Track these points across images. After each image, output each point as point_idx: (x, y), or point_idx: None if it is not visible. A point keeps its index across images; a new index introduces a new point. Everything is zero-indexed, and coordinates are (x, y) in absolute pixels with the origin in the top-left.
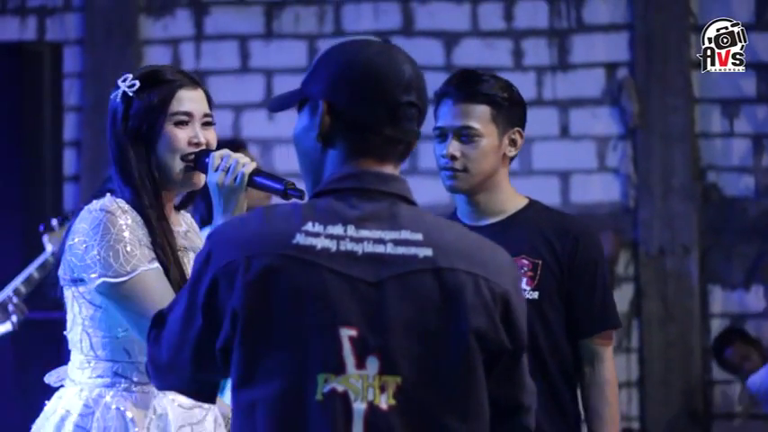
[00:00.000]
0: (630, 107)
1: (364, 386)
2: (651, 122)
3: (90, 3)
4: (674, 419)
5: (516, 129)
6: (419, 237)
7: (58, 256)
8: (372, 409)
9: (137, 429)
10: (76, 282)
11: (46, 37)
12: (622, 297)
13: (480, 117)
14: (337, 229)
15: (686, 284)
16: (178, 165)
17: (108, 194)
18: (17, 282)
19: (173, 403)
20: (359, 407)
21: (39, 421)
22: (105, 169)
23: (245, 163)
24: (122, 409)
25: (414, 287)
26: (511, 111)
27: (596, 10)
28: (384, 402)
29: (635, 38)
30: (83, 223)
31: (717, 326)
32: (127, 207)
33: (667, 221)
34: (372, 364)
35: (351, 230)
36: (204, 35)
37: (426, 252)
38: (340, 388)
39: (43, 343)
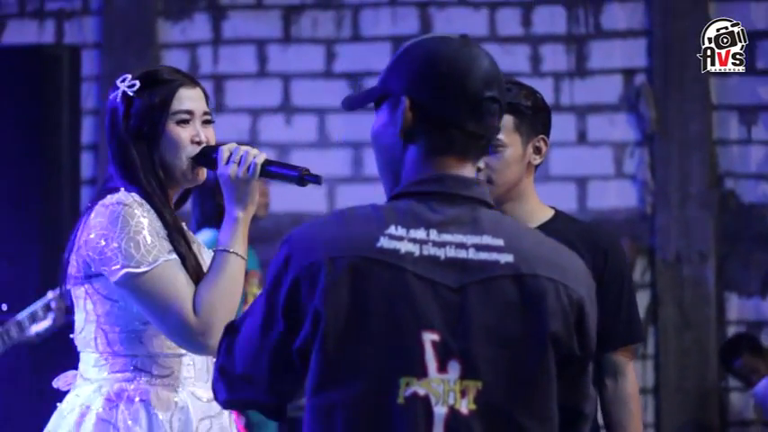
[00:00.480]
0: (648, 113)
1: (445, 390)
2: (669, 129)
3: (108, 6)
4: (690, 427)
5: (541, 136)
6: (500, 242)
7: (65, 261)
8: (453, 413)
9: (161, 422)
10: (91, 278)
11: (64, 40)
12: (638, 304)
13: (504, 127)
14: (420, 233)
15: (703, 291)
16: (181, 162)
17: (122, 189)
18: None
19: (192, 396)
20: (440, 411)
21: (54, 420)
22: None
23: (255, 153)
24: (149, 402)
25: (495, 293)
26: (535, 118)
27: (614, 16)
28: (465, 407)
29: (653, 44)
30: (99, 218)
31: (733, 333)
32: (141, 200)
33: (684, 228)
34: (454, 369)
35: (433, 235)
36: (222, 39)
37: (507, 258)
38: (421, 391)
39: (59, 348)
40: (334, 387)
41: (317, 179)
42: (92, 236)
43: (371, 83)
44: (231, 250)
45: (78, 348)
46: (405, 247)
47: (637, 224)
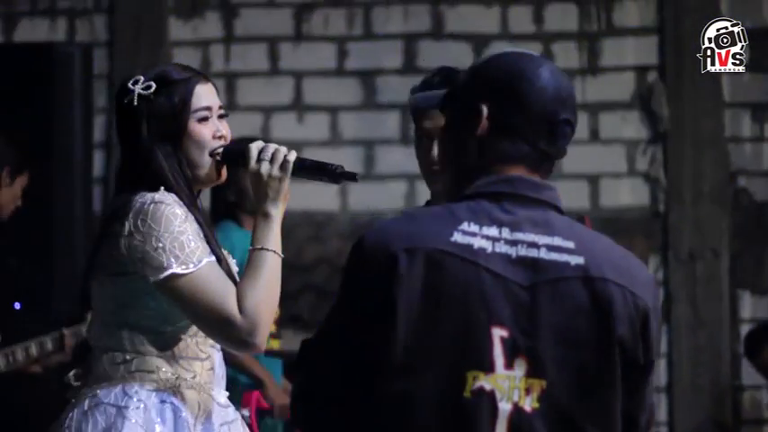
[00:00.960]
0: (660, 111)
1: (510, 387)
2: (681, 127)
3: (120, 4)
4: (703, 425)
5: None
6: (571, 245)
7: (90, 256)
8: (517, 410)
9: (188, 423)
10: (120, 275)
11: (75, 38)
12: None
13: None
14: (492, 231)
15: (716, 289)
16: (207, 161)
17: (161, 188)
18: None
19: (213, 401)
20: (504, 407)
21: (76, 418)
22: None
23: (285, 151)
24: (175, 404)
25: (565, 293)
26: None
27: (626, 13)
28: (528, 405)
29: (665, 41)
30: (140, 216)
31: (746, 331)
32: (178, 201)
33: (697, 226)
34: (520, 366)
35: (505, 233)
36: (234, 37)
37: (578, 260)
38: (488, 386)
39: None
40: (406, 377)
41: (352, 176)
42: (130, 234)
43: (383, 81)
44: (270, 248)
45: (96, 344)
46: (478, 242)
47: (649, 222)
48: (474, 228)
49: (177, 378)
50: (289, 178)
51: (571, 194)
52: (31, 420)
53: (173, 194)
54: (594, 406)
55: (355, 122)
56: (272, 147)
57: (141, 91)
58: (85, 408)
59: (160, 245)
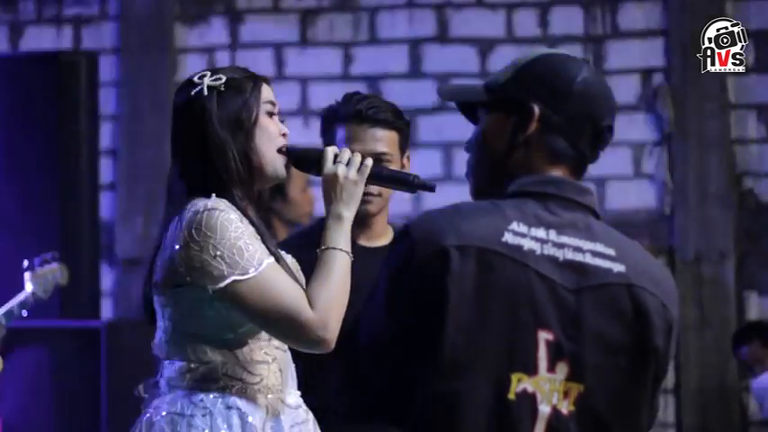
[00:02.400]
0: (666, 113)
1: (551, 389)
2: (687, 128)
3: (125, 12)
4: (710, 426)
5: (407, 154)
6: (612, 252)
7: (150, 268)
8: (555, 412)
9: (256, 428)
10: (180, 287)
11: (82, 46)
12: None
13: (390, 142)
14: (540, 233)
15: (722, 291)
16: (275, 156)
17: (213, 195)
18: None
19: (282, 403)
20: (544, 409)
21: (143, 429)
22: (141, 178)
23: (362, 158)
24: (242, 409)
25: (608, 299)
26: (407, 136)
27: (632, 16)
28: (565, 408)
29: (670, 44)
30: (194, 226)
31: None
32: (231, 205)
33: (703, 228)
34: (561, 370)
35: (552, 235)
36: (239, 43)
37: (620, 268)
38: (530, 389)
39: (78, 351)
40: (453, 376)
41: (430, 187)
42: (186, 244)
43: (389, 85)
44: (342, 248)
45: (162, 356)
46: (528, 244)
47: (656, 224)
48: (523, 228)
49: (243, 383)
50: (363, 184)
51: None
52: None
53: (224, 200)
54: (626, 411)
55: None
56: (347, 151)
57: (211, 82)
58: (153, 418)
59: (218, 253)
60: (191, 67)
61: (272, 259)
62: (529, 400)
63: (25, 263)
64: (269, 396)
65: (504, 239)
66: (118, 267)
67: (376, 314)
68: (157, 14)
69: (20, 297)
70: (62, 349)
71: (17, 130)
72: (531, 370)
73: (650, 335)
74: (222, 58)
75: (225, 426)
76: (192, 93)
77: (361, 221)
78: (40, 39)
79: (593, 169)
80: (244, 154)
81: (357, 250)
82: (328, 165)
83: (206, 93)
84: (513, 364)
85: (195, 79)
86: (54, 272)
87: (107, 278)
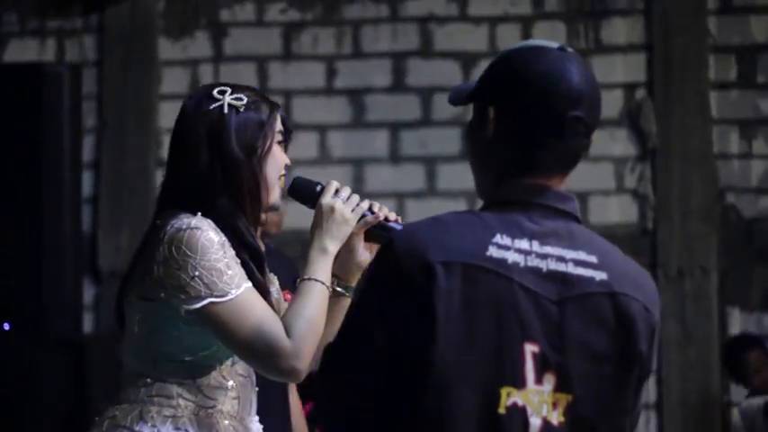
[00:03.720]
0: (649, 128)
1: (540, 401)
2: (669, 143)
3: (109, 24)
4: None
5: None
6: (594, 259)
7: (124, 276)
8: (546, 424)
9: None
10: (149, 300)
11: (65, 58)
12: None
13: None
14: (524, 244)
15: (705, 306)
16: (277, 185)
17: (198, 214)
18: None
19: (234, 430)
20: (534, 421)
21: None
22: (123, 191)
23: (358, 200)
24: (189, 430)
25: (592, 309)
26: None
27: (614, 31)
28: (555, 419)
29: (653, 59)
30: (175, 243)
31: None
32: (215, 226)
33: (686, 243)
34: (549, 381)
35: (535, 246)
36: (223, 56)
37: (602, 275)
38: (520, 402)
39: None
40: (445, 392)
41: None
42: (165, 261)
43: (372, 99)
44: (322, 281)
45: (123, 363)
46: (511, 257)
47: (638, 239)
48: (507, 240)
49: (197, 406)
50: (355, 223)
51: None
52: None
53: (208, 220)
54: (614, 416)
55: (344, 141)
56: (348, 189)
57: (232, 101)
58: (104, 428)
59: (197, 273)
60: (174, 80)
61: (249, 284)
62: (519, 413)
63: None
64: (222, 421)
65: (488, 254)
66: (100, 280)
67: (361, 325)
68: (141, 27)
69: None
70: (43, 361)
71: None
72: (520, 383)
73: (634, 341)
74: (206, 72)
75: None
76: (212, 107)
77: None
78: (23, 50)
79: (575, 183)
80: (255, 179)
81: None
82: (327, 197)
83: (226, 110)
84: (502, 378)
85: (214, 93)
86: None
87: (89, 291)
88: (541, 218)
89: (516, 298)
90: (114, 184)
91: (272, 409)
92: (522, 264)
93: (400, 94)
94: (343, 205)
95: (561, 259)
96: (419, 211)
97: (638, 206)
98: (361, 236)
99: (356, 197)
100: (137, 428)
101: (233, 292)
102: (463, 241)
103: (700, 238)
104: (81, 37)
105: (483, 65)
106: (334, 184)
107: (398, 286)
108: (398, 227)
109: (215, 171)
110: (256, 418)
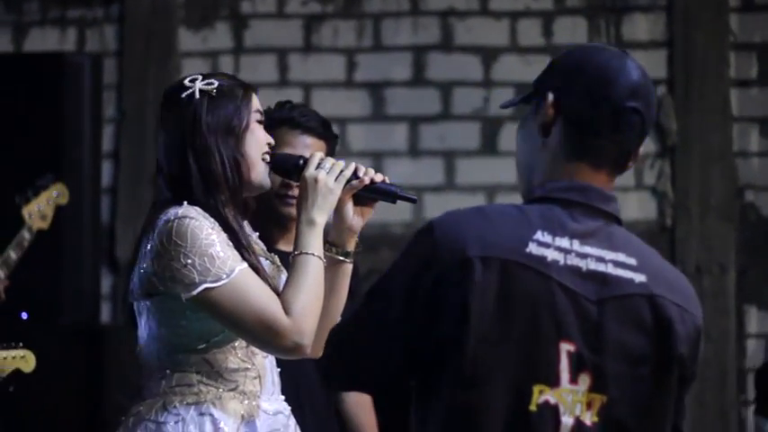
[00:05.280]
0: (669, 125)
1: (573, 401)
2: (689, 141)
3: (129, 15)
4: None
5: None
6: (633, 261)
7: (129, 275)
8: (578, 423)
9: None
10: (153, 295)
11: (85, 48)
12: None
13: (319, 150)
14: (564, 242)
15: (723, 304)
16: (261, 164)
17: (185, 203)
18: None
19: (258, 409)
20: (567, 420)
21: None
22: (142, 181)
23: (342, 166)
24: (215, 416)
25: (630, 310)
26: (334, 147)
27: (635, 27)
28: (588, 419)
29: (674, 56)
30: (165, 235)
31: (753, 346)
32: (203, 213)
33: (704, 240)
34: (584, 381)
35: (576, 245)
36: (243, 48)
37: (641, 278)
38: (552, 400)
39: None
40: (476, 388)
41: (411, 198)
42: (158, 254)
43: (392, 93)
44: (315, 253)
45: (141, 362)
46: (551, 254)
47: (657, 236)
48: (547, 238)
49: (218, 390)
50: (340, 192)
51: None
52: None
53: (196, 208)
54: (650, 420)
55: (364, 134)
56: (330, 159)
57: (203, 86)
58: (129, 425)
59: (189, 261)
60: (194, 71)
61: (244, 265)
62: (551, 411)
63: (18, 197)
64: (244, 402)
65: (528, 250)
66: (117, 270)
67: (388, 298)
68: (161, 18)
69: (16, 238)
70: (60, 351)
71: (19, 130)
72: (553, 382)
73: (673, 344)
74: (225, 63)
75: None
76: (183, 95)
77: (283, 225)
78: (43, 40)
79: None
80: (234, 159)
81: (275, 254)
82: (311, 169)
83: (197, 96)
84: (535, 375)
85: (186, 82)
86: (49, 195)
87: (106, 281)
88: (583, 217)
89: (554, 296)
90: (133, 174)
91: (305, 401)
92: (562, 262)
93: (420, 87)
94: (327, 176)
95: (601, 260)
96: (437, 205)
97: (657, 203)
98: (350, 201)
99: (340, 165)
100: (161, 419)
101: (227, 275)
102: (503, 236)
103: (718, 235)
104: (102, 27)
105: (503, 59)
106: (318, 156)
107: (434, 274)
108: (387, 187)
109: (189, 157)
110: (282, 397)
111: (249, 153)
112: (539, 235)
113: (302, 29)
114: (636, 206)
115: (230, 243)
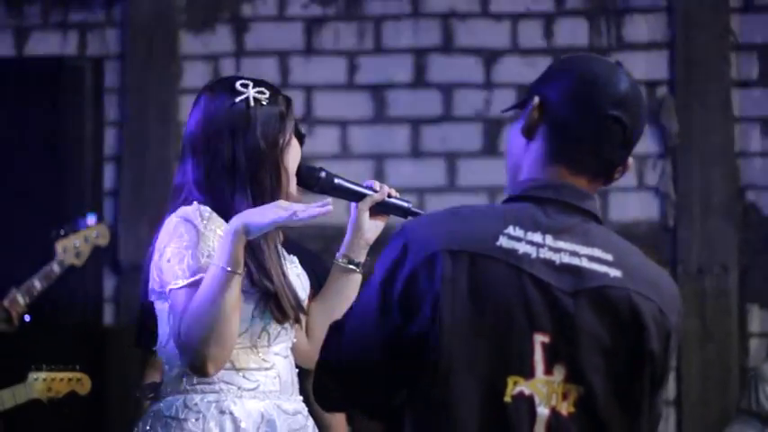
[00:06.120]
0: (670, 125)
1: (549, 392)
2: (691, 141)
3: (131, 18)
4: None
5: None
6: (610, 257)
7: (144, 275)
8: (555, 414)
9: None
10: (164, 294)
11: (87, 52)
12: None
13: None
14: (537, 237)
15: (725, 304)
16: (294, 177)
17: (195, 203)
18: (17, 290)
19: (278, 409)
20: (542, 411)
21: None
22: (144, 184)
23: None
24: (235, 414)
25: (605, 303)
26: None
27: (636, 28)
28: (564, 409)
29: (675, 56)
30: (162, 233)
31: (755, 346)
32: (211, 212)
33: (706, 240)
34: (559, 371)
35: (549, 240)
36: (244, 51)
37: (616, 273)
38: (527, 391)
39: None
40: (450, 381)
41: (420, 213)
42: (156, 252)
43: (393, 95)
44: (217, 263)
45: (163, 360)
46: (523, 248)
47: (658, 236)
48: (519, 233)
49: (240, 389)
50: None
51: None
52: None
53: (205, 207)
54: (625, 414)
55: (365, 136)
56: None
57: (256, 95)
58: (149, 422)
59: (160, 258)
60: (195, 74)
61: (194, 279)
62: (526, 402)
63: (53, 232)
64: (264, 401)
65: (498, 243)
66: (120, 273)
67: (366, 310)
68: (162, 21)
69: (44, 270)
70: (63, 353)
71: (21, 134)
72: (528, 373)
73: (645, 339)
74: (227, 66)
75: (217, 430)
76: (237, 100)
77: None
78: (45, 43)
79: None
80: (277, 170)
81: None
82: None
83: (252, 104)
84: (509, 367)
85: (237, 86)
86: (89, 234)
87: (109, 283)
88: (558, 214)
89: (526, 288)
90: (135, 177)
91: None
92: (534, 255)
93: (421, 89)
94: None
95: (575, 254)
96: (440, 206)
97: (658, 203)
98: (367, 213)
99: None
100: (182, 416)
101: (177, 283)
102: (474, 232)
103: (720, 235)
104: (103, 31)
105: (504, 61)
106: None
107: (405, 272)
108: (402, 202)
109: (239, 164)
110: (300, 397)
111: (289, 166)
112: (510, 229)
113: (303, 31)
114: (638, 206)
115: (204, 253)
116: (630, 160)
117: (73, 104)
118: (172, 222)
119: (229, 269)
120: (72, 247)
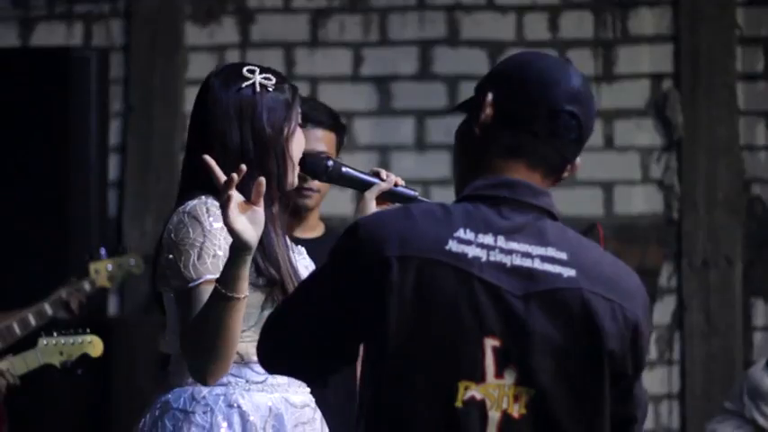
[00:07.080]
0: (675, 119)
1: (500, 395)
2: (696, 134)
3: (136, 9)
4: None
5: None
6: (564, 256)
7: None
8: (506, 417)
9: (256, 427)
10: (171, 287)
11: (92, 43)
12: (665, 309)
13: (329, 142)
14: (488, 239)
15: (729, 297)
16: (297, 167)
17: (201, 197)
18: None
19: (286, 402)
20: (493, 415)
21: (149, 423)
22: (149, 175)
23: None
24: (243, 408)
25: (557, 305)
26: (343, 137)
27: (642, 21)
28: (516, 411)
29: (680, 49)
30: (172, 231)
31: (759, 339)
32: (216, 208)
33: (711, 234)
34: (510, 375)
35: (500, 241)
36: (249, 43)
37: (570, 272)
38: (478, 396)
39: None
40: (395, 386)
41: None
42: (164, 246)
43: (398, 87)
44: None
45: (171, 351)
46: (473, 251)
47: (663, 229)
48: (470, 235)
49: (247, 381)
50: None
51: (585, 201)
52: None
53: (212, 201)
54: (581, 413)
55: (370, 128)
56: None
57: (262, 80)
58: (156, 413)
59: (171, 256)
60: (201, 65)
61: (213, 276)
62: (477, 406)
63: (86, 254)
64: (272, 394)
65: (447, 248)
66: None
67: (311, 293)
68: (168, 13)
69: (53, 296)
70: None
71: (26, 125)
72: (479, 377)
73: (601, 340)
74: (232, 58)
75: (225, 423)
76: (244, 85)
77: (298, 214)
78: (50, 35)
79: (602, 173)
80: (282, 159)
81: (293, 242)
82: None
83: (258, 89)
84: (459, 372)
85: (245, 72)
86: (125, 260)
87: None
88: (511, 213)
89: (475, 293)
90: (140, 168)
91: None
92: (484, 258)
93: (427, 82)
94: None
95: (527, 255)
96: (444, 198)
97: (663, 196)
98: (374, 203)
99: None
100: (190, 409)
101: (191, 282)
102: (424, 235)
103: (725, 229)
104: (108, 22)
105: (510, 54)
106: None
107: (355, 272)
108: (409, 191)
109: (247, 149)
110: (308, 390)
111: (294, 155)
112: (460, 232)
113: (309, 23)
114: (642, 199)
115: (221, 249)
116: (578, 160)
117: (78, 95)
118: (177, 218)
119: (232, 294)
120: (105, 270)
